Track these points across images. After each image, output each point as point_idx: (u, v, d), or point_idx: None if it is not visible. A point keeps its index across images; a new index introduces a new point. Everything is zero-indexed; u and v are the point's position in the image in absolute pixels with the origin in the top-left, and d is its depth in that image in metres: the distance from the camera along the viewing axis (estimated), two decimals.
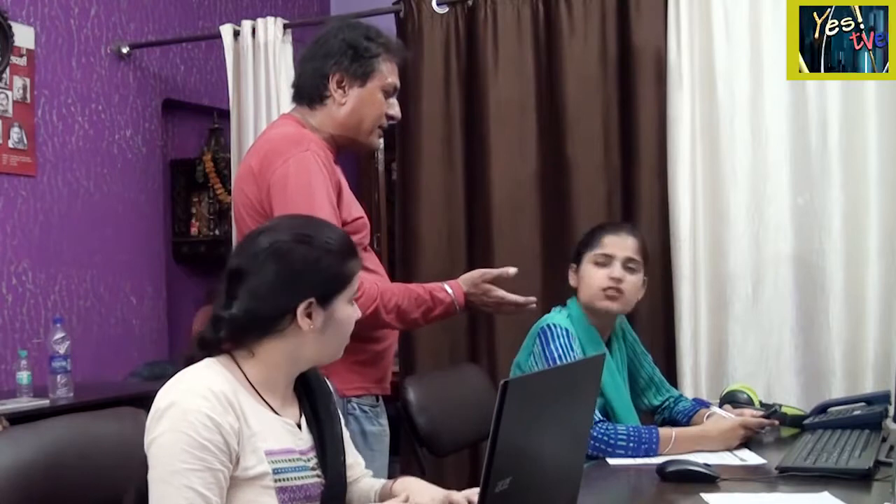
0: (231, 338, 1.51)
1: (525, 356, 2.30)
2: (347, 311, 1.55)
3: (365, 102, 2.13)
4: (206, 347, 1.52)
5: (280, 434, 1.51)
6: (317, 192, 1.97)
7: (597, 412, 2.12)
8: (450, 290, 2.09)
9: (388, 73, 2.15)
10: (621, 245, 2.31)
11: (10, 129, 3.39)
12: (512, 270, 2.14)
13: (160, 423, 1.41)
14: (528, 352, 2.28)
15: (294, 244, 1.50)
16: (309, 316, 1.49)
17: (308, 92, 2.15)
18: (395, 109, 2.20)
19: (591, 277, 2.30)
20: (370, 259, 2.12)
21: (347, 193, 2.11)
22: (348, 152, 2.21)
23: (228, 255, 1.58)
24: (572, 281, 2.36)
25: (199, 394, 1.42)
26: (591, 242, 2.34)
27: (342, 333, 1.56)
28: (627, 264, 2.30)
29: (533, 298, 2.18)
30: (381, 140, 2.40)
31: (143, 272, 3.95)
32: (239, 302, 1.48)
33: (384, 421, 2.18)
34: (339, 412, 1.68)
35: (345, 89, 2.12)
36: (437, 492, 1.59)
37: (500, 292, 2.13)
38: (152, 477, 1.41)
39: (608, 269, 2.28)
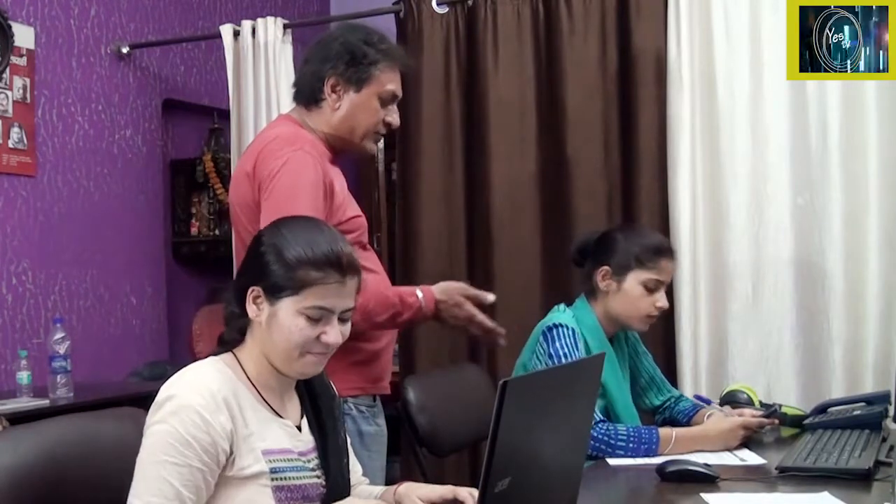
0: (230, 325, 1.58)
1: (529, 356, 2.28)
2: (292, 320, 1.49)
3: (359, 108, 2.11)
4: (226, 344, 1.59)
5: (278, 435, 1.52)
6: (301, 191, 1.95)
7: (598, 412, 2.12)
8: (420, 296, 2.04)
9: (386, 80, 2.12)
10: (671, 271, 2.32)
11: (10, 129, 3.39)
12: (490, 297, 2.09)
13: (156, 414, 1.45)
14: (532, 351, 2.26)
15: (266, 234, 1.55)
16: (258, 305, 1.52)
17: (305, 94, 2.15)
18: (392, 117, 2.16)
19: (638, 301, 2.26)
20: (369, 258, 2.10)
21: (343, 193, 2.10)
22: (344, 155, 2.20)
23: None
24: (602, 285, 2.28)
25: (195, 390, 1.45)
26: (646, 261, 2.26)
27: (283, 339, 1.50)
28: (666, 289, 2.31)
29: (503, 331, 2.11)
30: (380, 143, 2.38)
31: (143, 272, 3.94)
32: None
33: (381, 421, 2.16)
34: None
35: (339, 94, 2.10)
36: (439, 489, 1.58)
37: (474, 309, 2.07)
38: (137, 460, 1.45)
39: (656, 296, 2.26)
